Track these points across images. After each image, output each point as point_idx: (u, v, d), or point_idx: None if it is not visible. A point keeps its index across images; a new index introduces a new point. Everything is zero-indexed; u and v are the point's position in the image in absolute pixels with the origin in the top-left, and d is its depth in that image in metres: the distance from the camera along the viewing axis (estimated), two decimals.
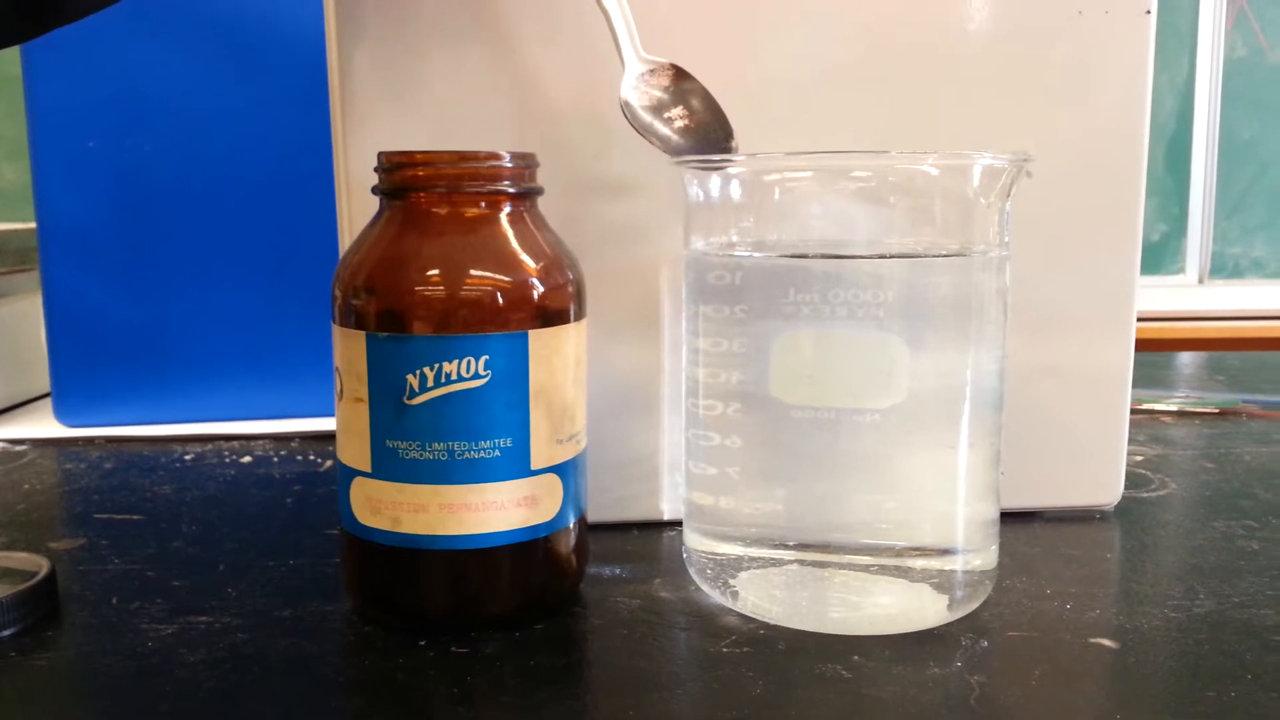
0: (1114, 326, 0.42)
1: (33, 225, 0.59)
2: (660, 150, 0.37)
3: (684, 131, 0.37)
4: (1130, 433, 0.43)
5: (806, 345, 0.33)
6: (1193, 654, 0.31)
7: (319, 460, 0.53)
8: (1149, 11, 0.41)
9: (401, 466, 0.31)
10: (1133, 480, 0.47)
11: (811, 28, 0.40)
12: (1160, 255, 1.82)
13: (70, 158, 0.58)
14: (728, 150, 0.37)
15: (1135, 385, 0.43)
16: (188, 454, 0.55)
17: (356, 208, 0.39)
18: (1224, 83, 1.78)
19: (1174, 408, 0.63)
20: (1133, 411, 0.43)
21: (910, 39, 0.40)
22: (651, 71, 0.37)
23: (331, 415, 0.47)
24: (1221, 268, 1.84)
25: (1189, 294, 1.78)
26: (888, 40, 0.40)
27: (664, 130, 0.37)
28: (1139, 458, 0.52)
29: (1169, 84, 1.77)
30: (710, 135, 0.37)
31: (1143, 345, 0.43)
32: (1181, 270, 1.84)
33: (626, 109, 0.37)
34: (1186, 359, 0.86)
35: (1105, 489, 0.44)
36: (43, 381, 0.64)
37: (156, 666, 0.31)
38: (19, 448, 0.57)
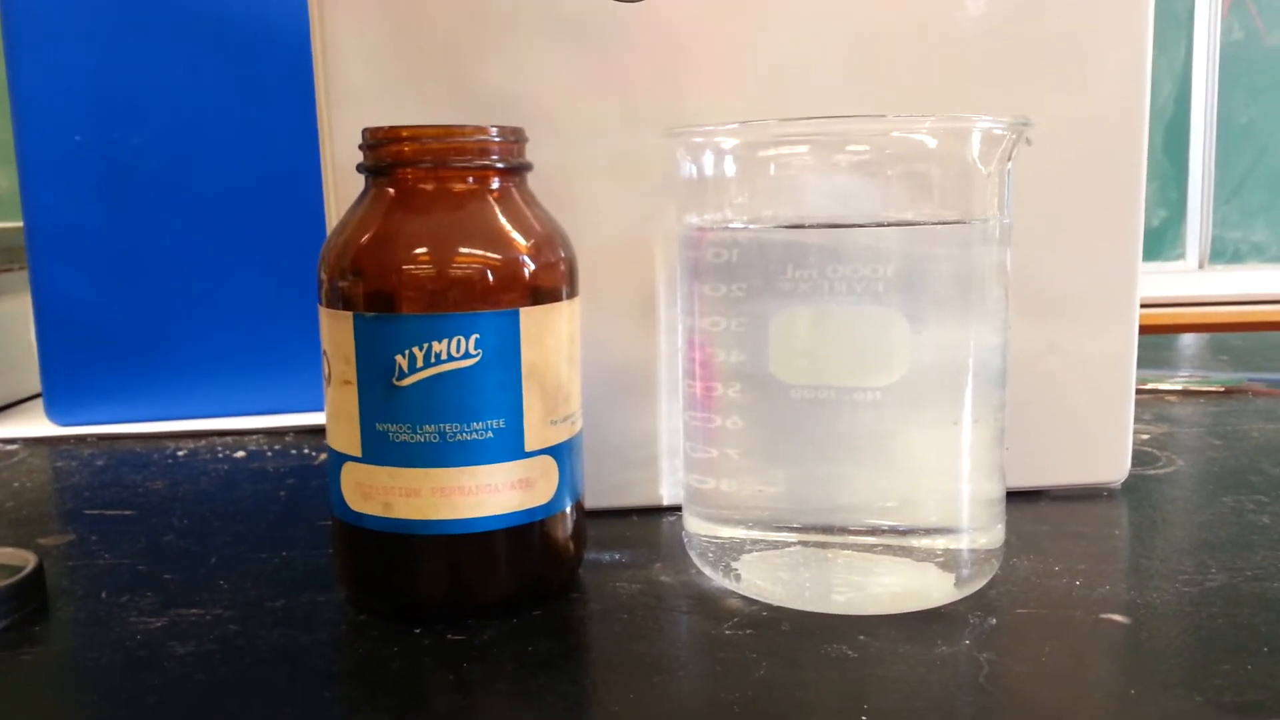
0: (1118, 302, 0.42)
1: (20, 224, 0.58)
2: None
3: None
4: (1136, 412, 0.43)
5: (805, 322, 0.32)
6: (1206, 628, 0.31)
7: (313, 454, 0.53)
8: None
9: (392, 450, 0.31)
10: (1139, 458, 0.46)
11: (804, 11, 0.39)
12: (1160, 241, 1.81)
13: (57, 153, 0.57)
14: None
15: (1139, 366, 0.42)
16: (180, 450, 0.54)
17: (343, 189, 0.38)
18: (1221, 67, 1.77)
19: (1179, 387, 0.63)
20: (1137, 391, 0.43)
21: (906, 19, 0.39)
22: None
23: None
24: (1222, 252, 1.83)
25: (1189, 279, 1.77)
26: (882, 21, 0.39)
27: None
28: (1145, 436, 0.52)
29: (1166, 68, 1.76)
30: None
31: (1144, 330, 0.43)
32: (1181, 256, 1.83)
33: None
34: (1189, 340, 0.86)
35: (1112, 466, 0.43)
36: (33, 381, 0.63)
37: (145, 659, 0.30)
38: (10, 447, 0.56)
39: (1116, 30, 0.40)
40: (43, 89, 0.56)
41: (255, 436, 0.57)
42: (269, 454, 0.53)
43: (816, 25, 0.39)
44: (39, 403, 0.61)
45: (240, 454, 0.53)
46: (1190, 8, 1.75)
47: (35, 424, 0.60)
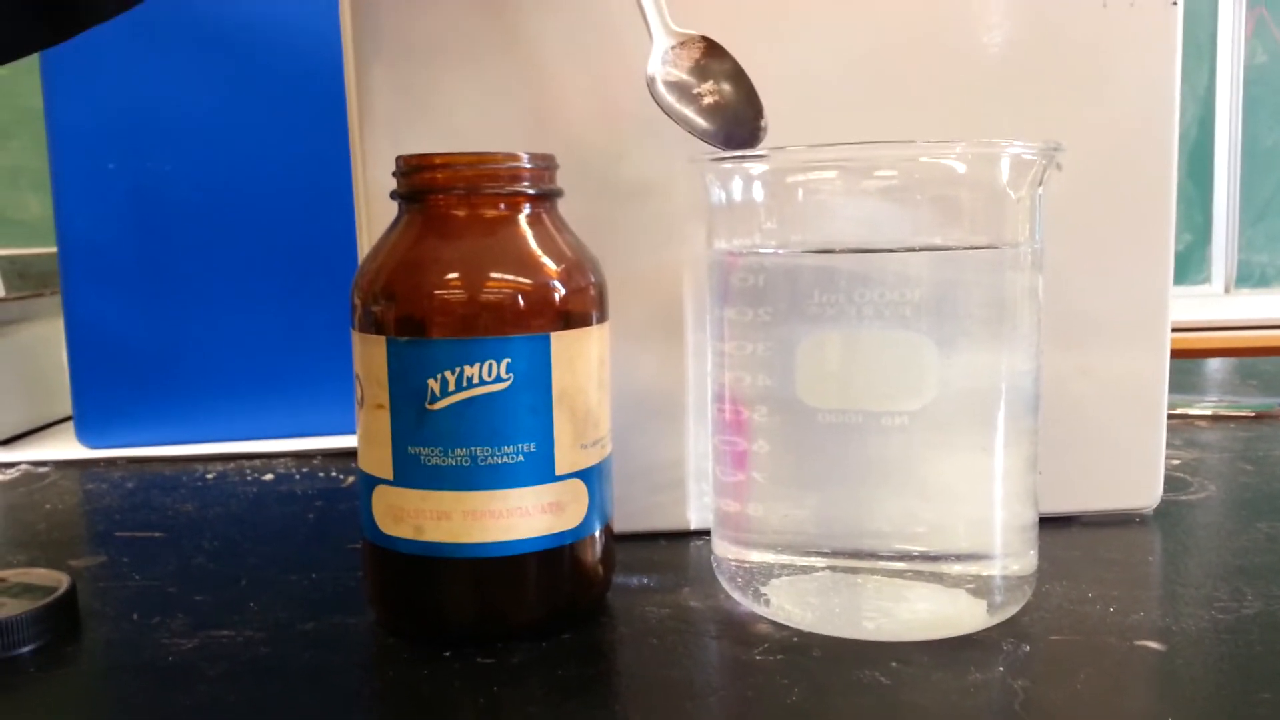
0: (1149, 326, 0.42)
1: (54, 250, 0.59)
2: (685, 131, 0.36)
3: (710, 110, 0.35)
4: (1166, 437, 0.42)
5: (833, 347, 0.32)
6: (1244, 655, 0.30)
7: (341, 477, 0.53)
8: (1175, 3, 0.40)
9: (424, 473, 0.31)
10: (1171, 484, 0.46)
11: (829, 27, 0.39)
12: (1185, 265, 1.80)
13: (90, 180, 0.58)
14: (757, 130, 0.36)
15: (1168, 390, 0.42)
16: (209, 473, 0.55)
17: (375, 215, 0.38)
18: (1245, 90, 1.77)
19: (1208, 412, 0.62)
20: (1167, 416, 0.42)
21: (931, 36, 0.39)
22: (681, 44, 0.35)
23: (354, 433, 0.46)
24: (1248, 276, 1.82)
25: (1216, 303, 1.75)
26: (908, 37, 0.39)
27: (687, 111, 0.35)
28: (1175, 461, 0.51)
29: (1190, 92, 1.76)
30: (739, 115, 0.35)
31: (1171, 354, 0.42)
32: (1207, 280, 1.82)
33: (651, 86, 0.35)
34: (1217, 365, 0.85)
35: (1144, 492, 0.42)
36: (65, 404, 0.64)
37: (177, 681, 0.30)
38: (41, 469, 0.57)
39: (1144, 51, 0.40)
40: (77, 117, 0.57)
41: (283, 459, 0.57)
42: (297, 477, 0.53)
43: (841, 47, 0.39)
44: (70, 425, 0.62)
45: (269, 476, 0.53)
46: (1213, 32, 1.75)
47: (66, 447, 0.60)
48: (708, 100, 0.35)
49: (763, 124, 0.36)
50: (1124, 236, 0.41)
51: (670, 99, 0.35)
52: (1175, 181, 0.41)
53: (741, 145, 0.36)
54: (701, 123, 0.35)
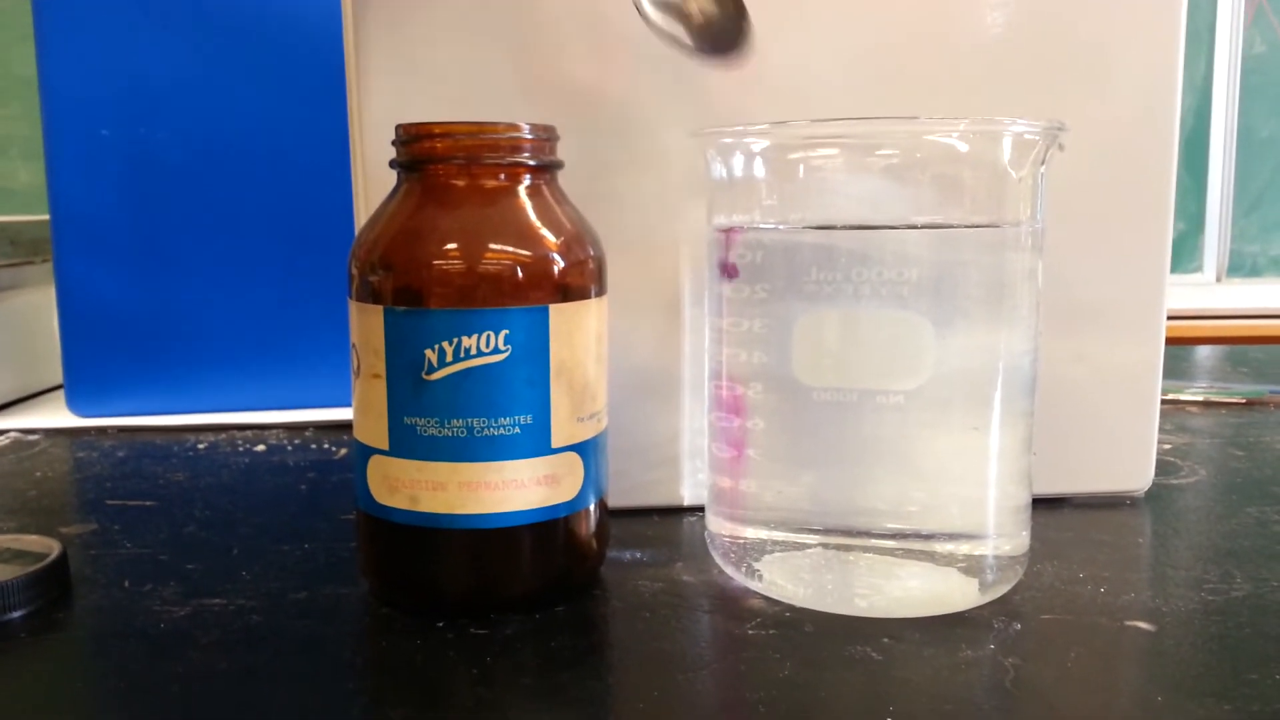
0: (1145, 314, 0.42)
1: (46, 217, 0.59)
2: (670, 48, 0.35)
3: (699, 27, 0.34)
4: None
5: (830, 325, 0.32)
6: (1233, 637, 0.30)
7: (333, 449, 0.53)
8: None
9: (420, 444, 0.31)
10: (1161, 467, 0.46)
11: (831, 16, 0.39)
12: (1178, 253, 1.80)
13: (84, 147, 0.57)
14: (743, 43, 0.35)
15: None
16: (201, 443, 0.55)
17: (373, 184, 0.38)
18: (1242, 79, 1.76)
19: (1199, 398, 0.62)
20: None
21: (934, 23, 0.39)
22: None
23: (346, 405, 0.46)
24: (1240, 266, 1.82)
25: (1207, 292, 1.76)
26: (912, 28, 0.39)
27: (669, 28, 0.34)
28: (1167, 446, 0.51)
29: (1187, 81, 1.75)
30: (726, 29, 0.34)
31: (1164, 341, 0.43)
32: (1199, 268, 1.82)
33: (636, 3, 0.34)
34: (1208, 352, 0.85)
35: (1136, 474, 0.43)
36: (56, 373, 0.63)
37: (169, 648, 0.30)
38: (31, 437, 0.56)
39: (1147, 39, 0.40)
40: (71, 84, 0.57)
41: (275, 431, 0.57)
42: (289, 448, 0.53)
43: (843, 30, 0.39)
44: (60, 394, 0.62)
45: (260, 448, 0.53)
46: (1211, 21, 1.75)
47: (56, 415, 0.60)
48: (695, 17, 0.34)
49: (746, 26, 0.35)
50: (1122, 224, 0.41)
51: (653, 13, 0.34)
52: (1175, 170, 0.41)
53: (727, 52, 0.35)
54: (686, 41, 0.34)
